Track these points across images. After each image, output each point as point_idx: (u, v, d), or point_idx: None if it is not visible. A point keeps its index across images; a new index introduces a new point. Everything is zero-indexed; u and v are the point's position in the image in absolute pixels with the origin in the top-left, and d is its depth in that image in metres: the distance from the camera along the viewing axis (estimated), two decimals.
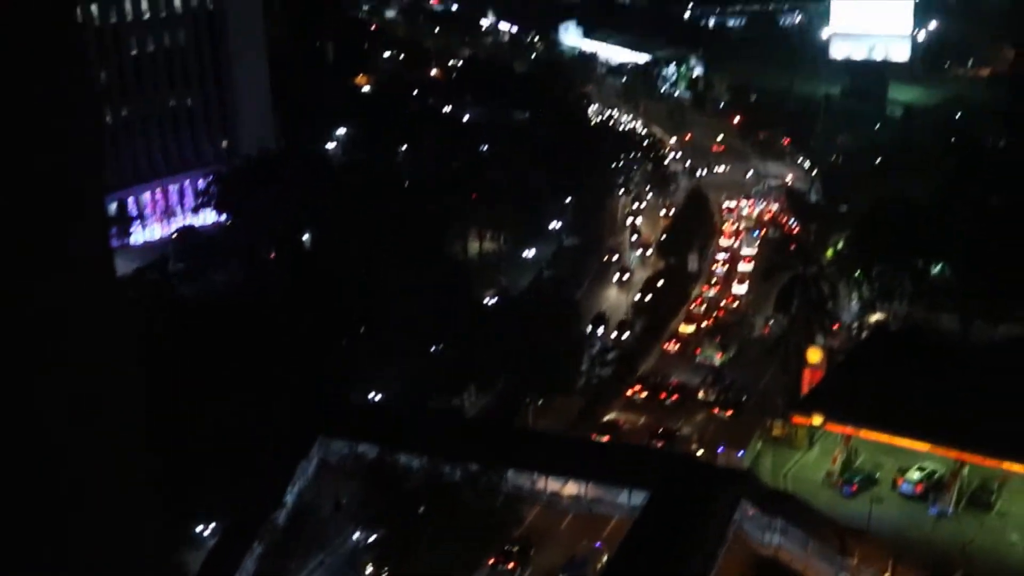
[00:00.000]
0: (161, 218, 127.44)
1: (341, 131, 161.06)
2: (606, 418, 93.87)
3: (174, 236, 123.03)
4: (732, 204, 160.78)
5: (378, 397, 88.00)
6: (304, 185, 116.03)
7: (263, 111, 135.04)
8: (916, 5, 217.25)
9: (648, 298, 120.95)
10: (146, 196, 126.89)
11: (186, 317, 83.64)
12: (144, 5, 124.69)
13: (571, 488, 71.09)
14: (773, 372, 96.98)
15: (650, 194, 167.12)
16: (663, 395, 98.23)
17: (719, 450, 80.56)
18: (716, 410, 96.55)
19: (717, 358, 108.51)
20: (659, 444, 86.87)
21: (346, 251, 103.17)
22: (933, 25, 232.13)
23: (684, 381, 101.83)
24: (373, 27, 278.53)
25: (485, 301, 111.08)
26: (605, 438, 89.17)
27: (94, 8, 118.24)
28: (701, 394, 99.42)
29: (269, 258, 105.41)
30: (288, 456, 71.53)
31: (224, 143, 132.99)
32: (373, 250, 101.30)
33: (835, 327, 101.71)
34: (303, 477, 72.08)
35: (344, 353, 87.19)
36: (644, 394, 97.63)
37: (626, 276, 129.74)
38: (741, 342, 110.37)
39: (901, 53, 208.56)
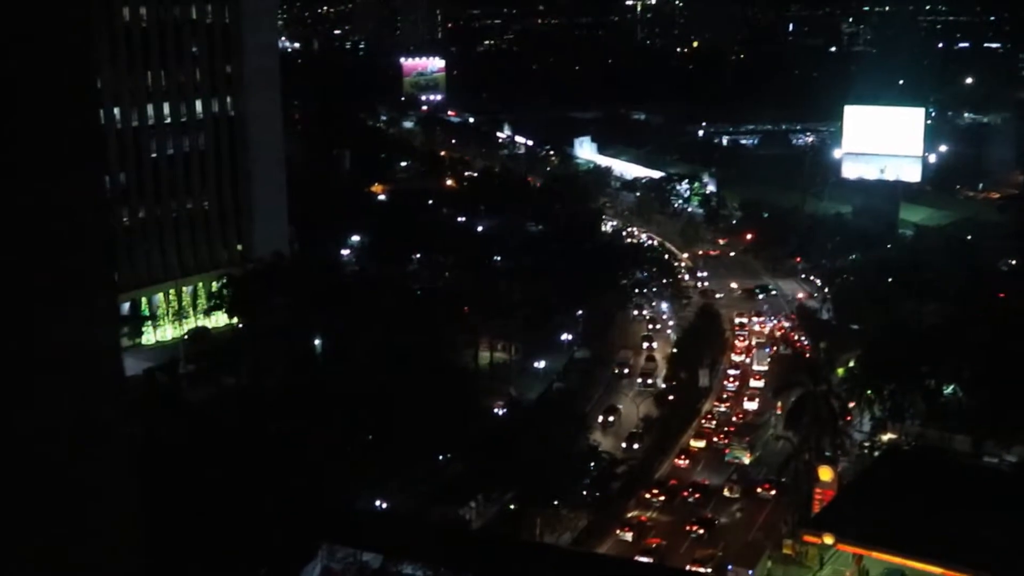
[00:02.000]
0: (173, 319, 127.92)
1: (355, 238, 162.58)
2: (630, 515, 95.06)
3: (185, 337, 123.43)
4: (744, 320, 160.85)
5: (384, 506, 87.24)
6: (316, 291, 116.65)
7: (278, 216, 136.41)
8: (927, 127, 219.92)
9: (658, 412, 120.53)
10: (159, 297, 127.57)
11: (194, 419, 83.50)
12: (166, 110, 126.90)
13: None
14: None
15: (662, 308, 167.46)
16: (684, 493, 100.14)
17: (728, 568, 79.48)
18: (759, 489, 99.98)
19: (746, 458, 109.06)
20: (698, 530, 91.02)
21: (356, 359, 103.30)
22: (944, 148, 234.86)
23: (705, 482, 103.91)
24: (390, 137, 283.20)
25: (494, 411, 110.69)
26: (629, 535, 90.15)
27: (116, 111, 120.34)
28: (726, 492, 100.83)
29: (279, 363, 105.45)
30: (291, 563, 70.69)
31: (239, 247, 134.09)
32: (383, 358, 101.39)
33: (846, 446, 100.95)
34: None
35: (351, 460, 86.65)
36: (662, 497, 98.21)
37: (636, 390, 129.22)
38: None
39: (912, 174, 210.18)
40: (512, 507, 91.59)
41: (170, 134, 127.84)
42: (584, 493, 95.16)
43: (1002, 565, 68.88)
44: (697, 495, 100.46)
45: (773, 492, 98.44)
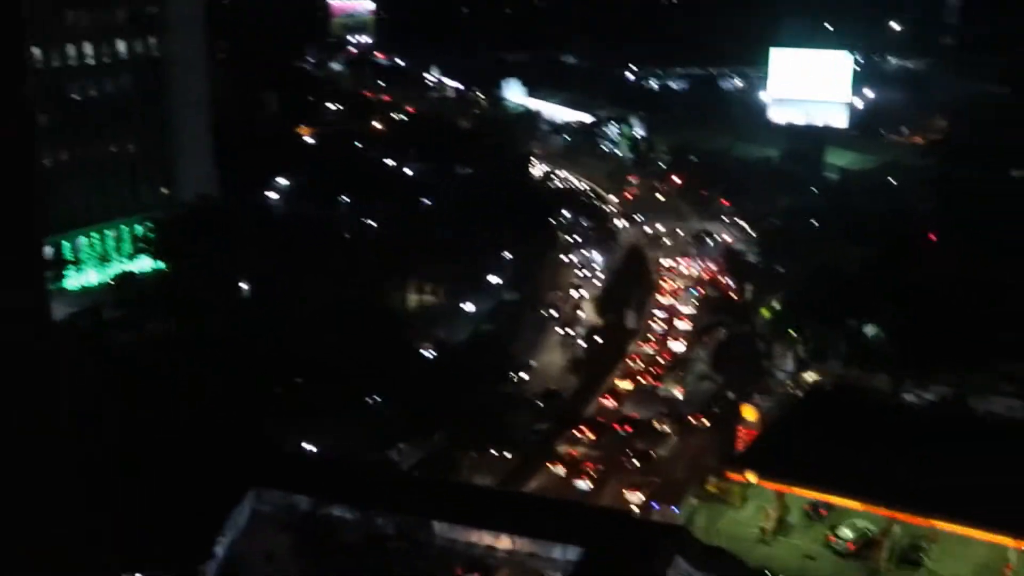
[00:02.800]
0: (97, 264, 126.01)
1: (283, 181, 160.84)
2: (560, 449, 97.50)
3: (110, 283, 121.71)
4: (671, 263, 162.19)
5: (313, 448, 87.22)
6: (244, 235, 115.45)
7: (204, 159, 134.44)
8: (854, 73, 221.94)
9: (586, 354, 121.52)
10: (83, 241, 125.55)
11: (120, 365, 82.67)
12: (88, 50, 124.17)
13: (505, 542, 70.78)
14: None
15: (590, 251, 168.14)
16: (616, 426, 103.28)
17: (654, 506, 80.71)
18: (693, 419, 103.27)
19: (679, 392, 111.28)
20: (635, 462, 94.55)
21: (285, 302, 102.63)
22: (869, 93, 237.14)
23: (635, 416, 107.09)
24: (318, 79, 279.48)
25: (423, 354, 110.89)
26: (562, 469, 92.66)
27: (37, 51, 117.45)
28: (656, 424, 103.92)
29: (207, 308, 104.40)
30: (219, 506, 70.59)
31: (164, 190, 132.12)
32: (312, 302, 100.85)
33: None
34: (234, 528, 71.11)
35: (279, 404, 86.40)
36: (592, 435, 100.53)
37: (564, 331, 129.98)
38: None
39: (838, 119, 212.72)
40: (441, 449, 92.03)
41: (93, 75, 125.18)
42: (512, 433, 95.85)
43: (917, 499, 70.69)
44: (628, 428, 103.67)
45: (705, 420, 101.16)
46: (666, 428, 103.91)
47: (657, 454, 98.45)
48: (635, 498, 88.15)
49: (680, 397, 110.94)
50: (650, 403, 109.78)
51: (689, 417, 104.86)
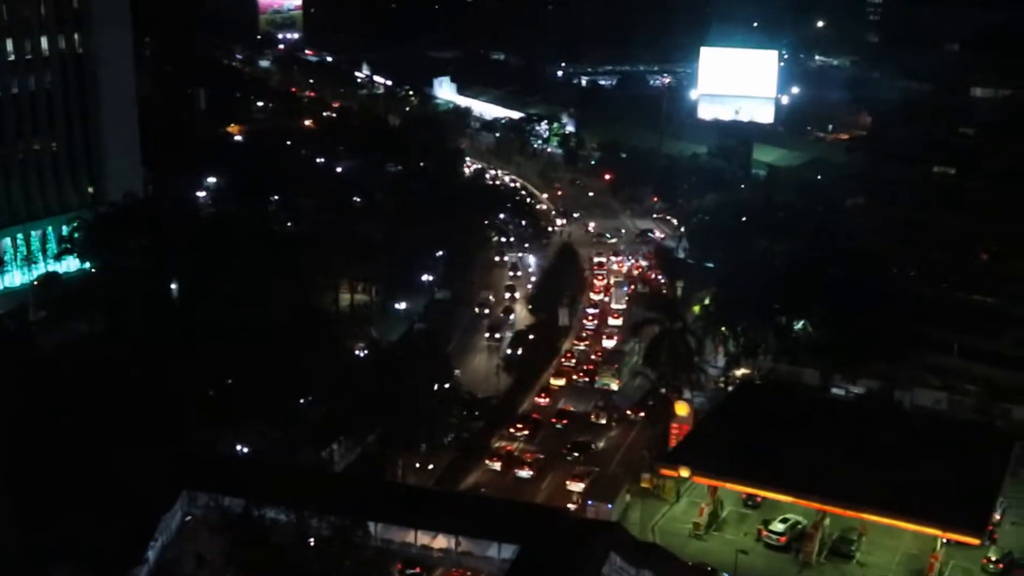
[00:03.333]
0: (21, 265, 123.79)
1: (211, 180, 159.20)
2: (495, 444, 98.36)
3: (35, 283, 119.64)
4: (602, 259, 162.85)
5: (245, 450, 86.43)
6: (172, 234, 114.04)
7: (131, 157, 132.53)
8: (780, 69, 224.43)
9: (519, 351, 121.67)
10: (6, 241, 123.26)
11: (45, 367, 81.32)
12: (8, 47, 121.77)
13: (441, 542, 70.74)
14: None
15: (521, 248, 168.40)
16: (553, 420, 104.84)
17: (588, 503, 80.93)
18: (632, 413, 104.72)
19: (615, 384, 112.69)
20: (574, 454, 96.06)
21: (214, 302, 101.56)
22: (796, 90, 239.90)
23: (570, 408, 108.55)
24: (246, 76, 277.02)
25: (355, 353, 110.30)
26: (497, 464, 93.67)
27: None
28: (593, 417, 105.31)
29: (134, 308, 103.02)
30: (150, 509, 69.72)
31: (90, 189, 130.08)
32: (242, 302, 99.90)
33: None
34: (166, 531, 70.38)
35: (210, 405, 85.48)
36: (526, 431, 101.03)
37: (497, 330, 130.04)
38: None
39: (765, 115, 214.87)
40: (375, 449, 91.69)
41: (14, 72, 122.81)
42: (446, 432, 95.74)
43: (848, 493, 71.71)
44: (564, 421, 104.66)
45: (642, 414, 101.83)
46: (602, 420, 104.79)
47: (596, 446, 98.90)
48: (577, 487, 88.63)
49: (615, 389, 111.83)
50: (585, 398, 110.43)
51: (624, 411, 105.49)
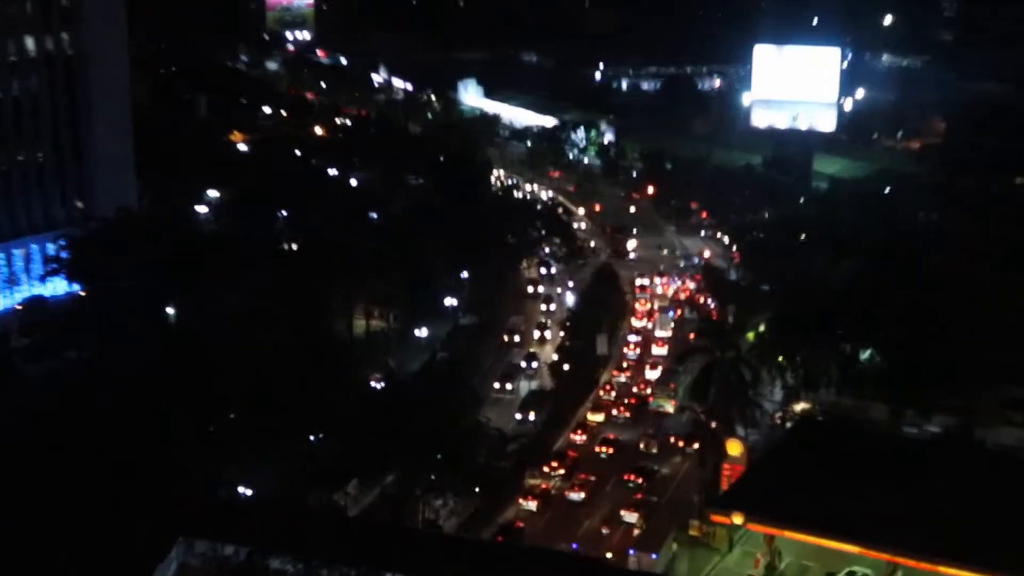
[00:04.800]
0: (4, 287, 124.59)
1: (213, 193, 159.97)
2: (529, 483, 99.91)
3: (18, 307, 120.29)
4: (645, 282, 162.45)
5: (248, 492, 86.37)
6: (170, 253, 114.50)
7: (124, 169, 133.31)
8: (843, 72, 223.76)
9: (553, 384, 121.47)
10: None
11: (30, 398, 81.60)
12: None
13: None
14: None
15: (556, 270, 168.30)
16: (598, 449, 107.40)
17: (630, 552, 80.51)
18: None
19: (671, 406, 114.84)
20: (636, 479, 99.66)
21: (216, 328, 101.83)
22: (860, 94, 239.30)
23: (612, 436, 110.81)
24: (251, 79, 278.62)
25: (371, 385, 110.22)
26: (533, 504, 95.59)
27: None
28: (642, 446, 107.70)
29: (128, 334, 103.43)
30: (144, 559, 69.65)
31: (79, 204, 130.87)
32: (246, 327, 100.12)
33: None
34: None
35: (211, 442, 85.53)
36: (561, 471, 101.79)
37: (529, 359, 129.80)
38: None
39: (827, 122, 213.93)
40: (393, 491, 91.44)
41: None
42: (472, 473, 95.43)
43: (922, 543, 70.85)
44: (610, 450, 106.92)
45: (696, 445, 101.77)
46: (653, 450, 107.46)
47: (660, 471, 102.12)
48: (631, 518, 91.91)
49: (670, 412, 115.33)
50: (630, 427, 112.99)
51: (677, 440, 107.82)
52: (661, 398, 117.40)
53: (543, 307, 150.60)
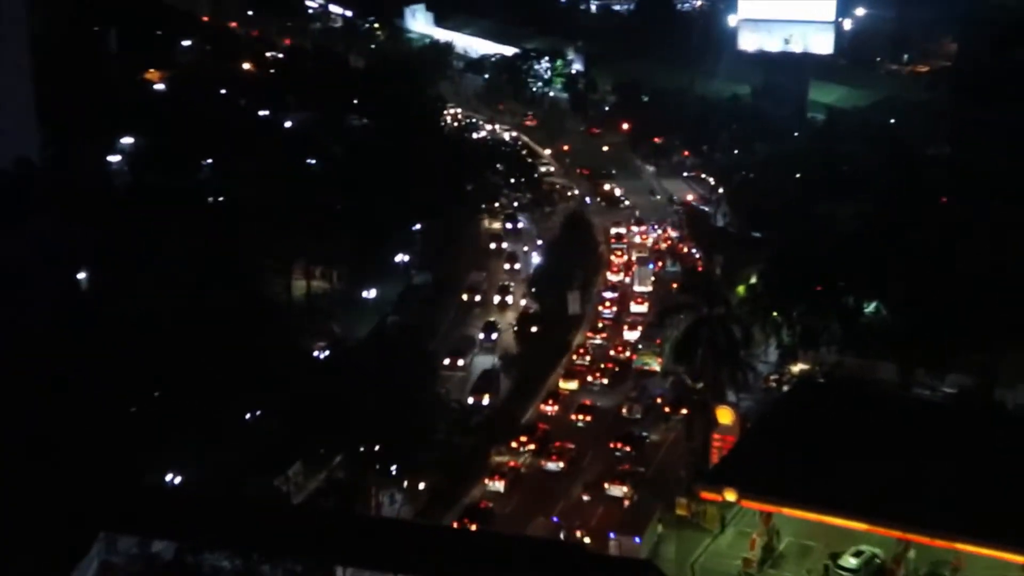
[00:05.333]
0: None
1: (127, 141, 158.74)
2: (497, 460, 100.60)
3: None
4: (621, 231, 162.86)
5: (177, 480, 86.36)
6: (79, 210, 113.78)
7: (23, 114, 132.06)
8: None
9: (519, 348, 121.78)
10: None
11: None
12: None
13: None
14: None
15: (521, 220, 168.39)
16: (573, 416, 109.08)
17: (610, 536, 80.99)
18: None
19: (657, 363, 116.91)
20: (623, 447, 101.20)
21: (135, 295, 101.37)
22: (861, 11, 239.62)
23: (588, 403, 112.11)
24: (168, 8, 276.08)
25: (314, 355, 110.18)
26: (500, 484, 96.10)
27: None
28: (625, 411, 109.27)
29: (33, 304, 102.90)
30: (59, 559, 69.61)
31: None
32: (170, 293, 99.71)
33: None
34: None
35: (133, 425, 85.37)
36: (531, 446, 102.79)
37: (488, 329, 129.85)
38: None
39: (823, 45, 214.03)
40: (342, 474, 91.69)
41: None
42: (431, 450, 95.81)
43: (937, 518, 71.48)
44: (587, 418, 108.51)
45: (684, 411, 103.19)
46: (636, 415, 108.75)
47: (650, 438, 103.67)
48: (618, 492, 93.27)
49: (656, 370, 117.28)
50: (610, 393, 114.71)
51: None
52: (646, 355, 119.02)
53: (507, 266, 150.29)
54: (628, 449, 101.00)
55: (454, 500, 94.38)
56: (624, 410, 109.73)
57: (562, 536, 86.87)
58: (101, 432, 80.00)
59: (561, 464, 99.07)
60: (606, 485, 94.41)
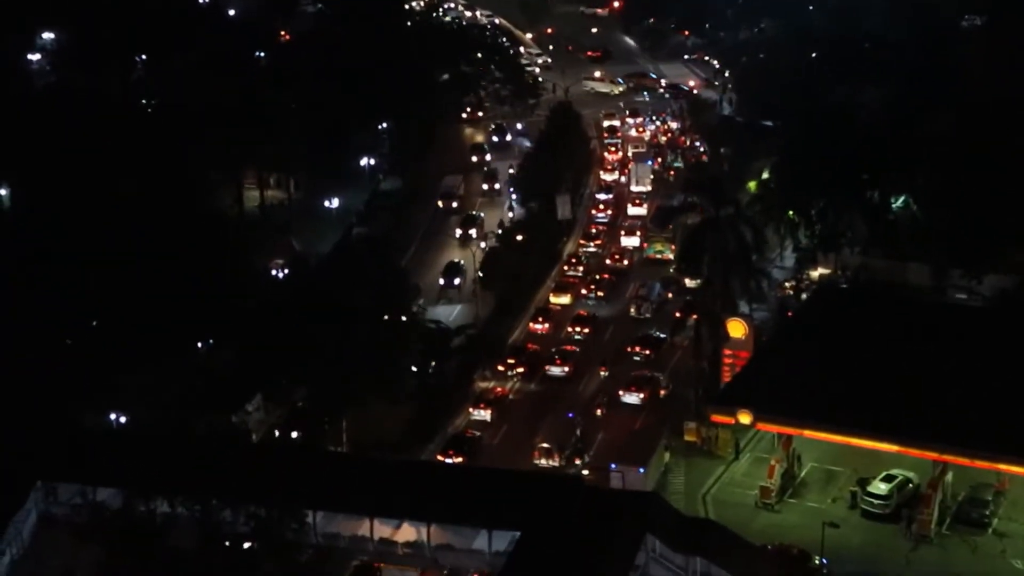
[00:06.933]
0: None
1: (46, 36, 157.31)
2: (481, 387, 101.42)
3: None
4: (615, 123, 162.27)
5: (123, 420, 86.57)
6: None
7: None
8: None
9: (502, 256, 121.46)
10: None
11: None
12: None
13: (408, 533, 71.09)
14: None
15: (501, 112, 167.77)
16: (570, 329, 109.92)
17: (611, 468, 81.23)
18: None
19: (671, 251, 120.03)
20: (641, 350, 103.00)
21: (65, 212, 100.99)
22: None
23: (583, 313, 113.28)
24: None
25: (272, 274, 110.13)
26: (487, 413, 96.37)
27: None
28: (633, 311, 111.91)
29: None
30: None
31: None
32: (105, 209, 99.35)
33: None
34: (16, 539, 70.54)
35: (70, 358, 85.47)
36: (520, 369, 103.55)
37: (472, 230, 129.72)
38: None
39: None
40: (308, 405, 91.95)
41: None
42: (406, 376, 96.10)
43: (975, 436, 72.01)
44: (586, 330, 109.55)
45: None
46: (646, 315, 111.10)
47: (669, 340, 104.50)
48: (633, 399, 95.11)
49: (670, 259, 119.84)
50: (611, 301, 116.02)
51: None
52: (658, 242, 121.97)
53: (484, 186, 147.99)
54: (648, 353, 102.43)
55: (435, 430, 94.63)
56: (632, 309, 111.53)
57: (578, 433, 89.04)
58: (32, 369, 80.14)
59: (567, 369, 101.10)
60: (621, 392, 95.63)
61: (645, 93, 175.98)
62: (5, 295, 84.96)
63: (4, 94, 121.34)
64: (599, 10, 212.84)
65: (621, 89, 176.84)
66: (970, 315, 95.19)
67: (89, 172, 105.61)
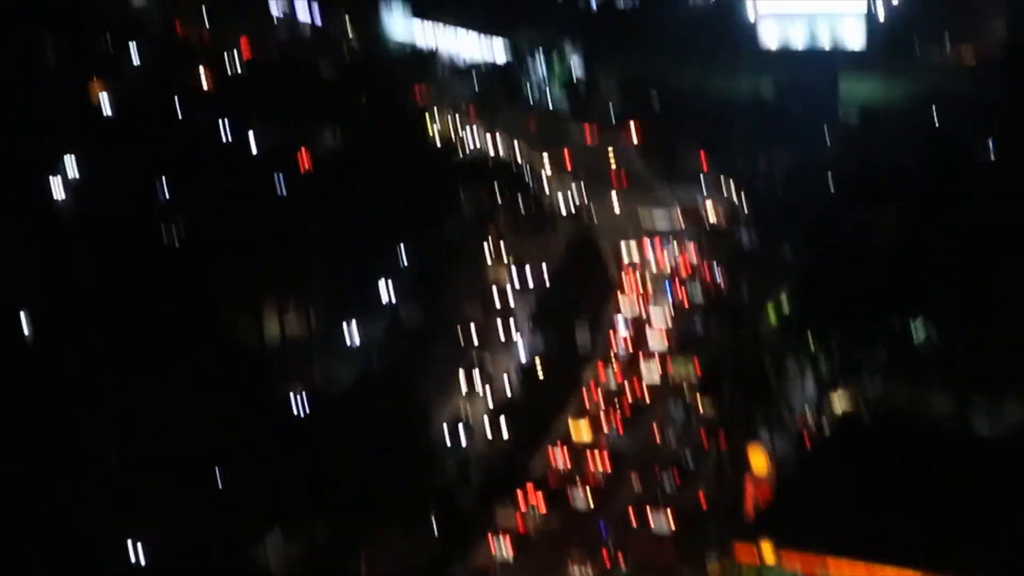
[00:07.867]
0: None
1: (70, 164, 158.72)
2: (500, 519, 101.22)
3: None
4: (634, 253, 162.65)
5: (139, 548, 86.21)
6: (17, 242, 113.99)
7: None
8: None
9: (523, 389, 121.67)
10: None
11: None
12: None
13: None
14: None
15: (521, 244, 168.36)
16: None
17: None
18: None
19: (693, 377, 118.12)
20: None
21: (84, 340, 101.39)
22: None
23: None
24: (111, 12, 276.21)
25: (290, 405, 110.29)
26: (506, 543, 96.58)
27: None
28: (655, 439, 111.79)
29: None
30: None
31: None
32: (124, 337, 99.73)
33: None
34: None
35: (86, 494, 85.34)
36: (539, 498, 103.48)
37: (490, 360, 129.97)
38: None
39: (855, 36, 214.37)
40: (327, 542, 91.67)
41: None
42: (427, 512, 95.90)
43: (1010, 570, 71.26)
44: (608, 460, 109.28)
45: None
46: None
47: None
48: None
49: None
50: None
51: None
52: (681, 367, 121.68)
53: (504, 293, 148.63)
54: (672, 481, 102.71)
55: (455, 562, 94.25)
56: (657, 436, 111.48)
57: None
58: (47, 506, 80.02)
59: (589, 500, 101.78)
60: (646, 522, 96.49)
61: (667, 220, 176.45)
62: (21, 428, 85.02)
63: (27, 221, 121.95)
64: (599, 135, 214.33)
65: (666, 224, 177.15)
66: (995, 447, 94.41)
67: (112, 298, 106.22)
